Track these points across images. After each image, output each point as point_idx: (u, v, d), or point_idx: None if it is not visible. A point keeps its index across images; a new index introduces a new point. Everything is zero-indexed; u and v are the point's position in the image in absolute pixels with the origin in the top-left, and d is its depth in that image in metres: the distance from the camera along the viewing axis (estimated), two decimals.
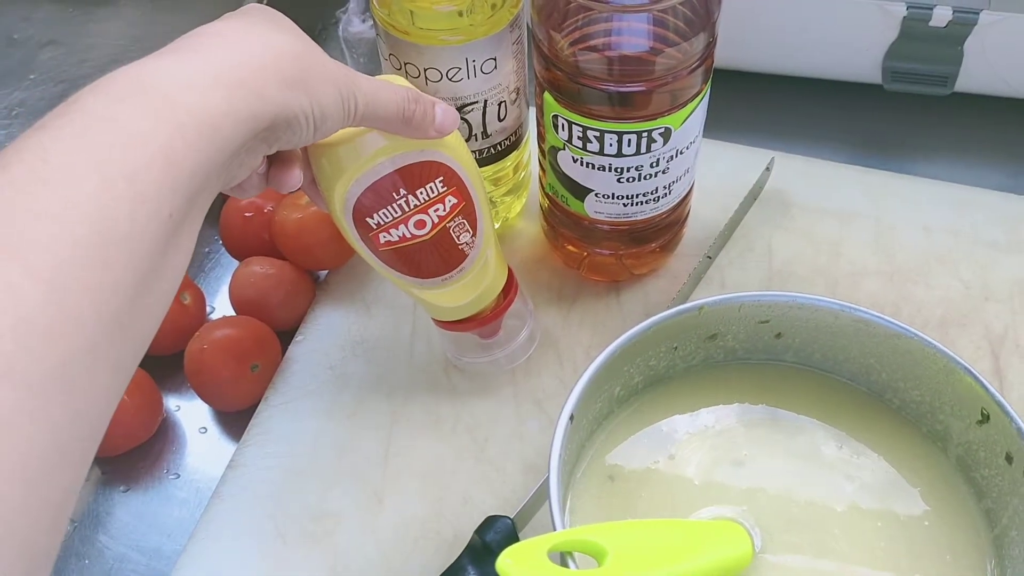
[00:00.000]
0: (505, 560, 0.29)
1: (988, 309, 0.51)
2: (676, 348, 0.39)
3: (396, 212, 0.39)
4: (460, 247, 0.41)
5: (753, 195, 0.54)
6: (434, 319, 0.46)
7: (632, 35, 0.41)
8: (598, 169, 0.44)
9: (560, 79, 0.42)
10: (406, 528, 0.45)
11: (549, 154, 0.46)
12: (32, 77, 0.65)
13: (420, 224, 0.39)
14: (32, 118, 0.29)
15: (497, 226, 0.54)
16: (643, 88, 0.41)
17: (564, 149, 0.44)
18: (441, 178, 0.39)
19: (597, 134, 0.42)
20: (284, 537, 0.45)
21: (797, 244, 0.54)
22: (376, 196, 0.38)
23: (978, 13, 0.53)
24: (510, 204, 0.54)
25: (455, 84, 0.45)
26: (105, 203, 0.25)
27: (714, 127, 0.53)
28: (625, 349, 0.37)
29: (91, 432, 0.25)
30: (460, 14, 0.42)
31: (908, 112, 0.61)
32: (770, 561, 0.36)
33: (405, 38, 0.44)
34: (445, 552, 0.43)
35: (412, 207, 0.39)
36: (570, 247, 0.51)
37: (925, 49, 0.56)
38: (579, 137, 0.43)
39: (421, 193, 0.39)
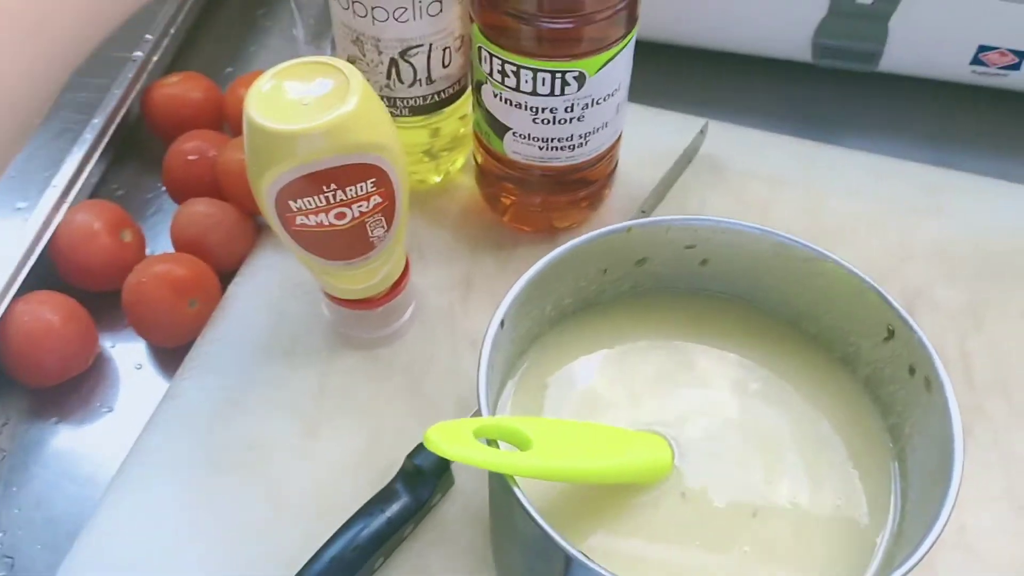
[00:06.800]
0: (433, 433, 0.30)
1: (906, 268, 0.53)
2: (606, 271, 0.41)
3: (320, 203, 0.39)
4: (371, 240, 0.42)
5: (687, 156, 0.56)
6: (326, 293, 0.47)
7: None
8: (515, 106, 0.45)
9: (486, 9, 0.43)
10: (340, 458, 0.45)
11: (475, 89, 0.48)
12: None
13: (340, 216, 0.40)
14: None
15: (439, 179, 0.56)
16: (555, 25, 0.42)
17: (486, 83, 0.46)
18: (374, 179, 0.39)
19: (514, 68, 0.44)
20: (217, 466, 0.45)
21: (729, 205, 0.56)
22: (305, 185, 0.38)
23: None
24: (453, 158, 0.55)
25: (401, 25, 0.46)
26: None
27: (648, 99, 0.56)
28: (557, 263, 0.38)
29: None
30: None
31: (838, 87, 0.63)
32: (688, 471, 0.38)
33: None
34: (378, 480, 0.44)
35: (337, 200, 0.39)
36: (497, 192, 0.52)
37: (853, 26, 0.59)
38: (499, 71, 0.44)
39: (350, 190, 0.39)
